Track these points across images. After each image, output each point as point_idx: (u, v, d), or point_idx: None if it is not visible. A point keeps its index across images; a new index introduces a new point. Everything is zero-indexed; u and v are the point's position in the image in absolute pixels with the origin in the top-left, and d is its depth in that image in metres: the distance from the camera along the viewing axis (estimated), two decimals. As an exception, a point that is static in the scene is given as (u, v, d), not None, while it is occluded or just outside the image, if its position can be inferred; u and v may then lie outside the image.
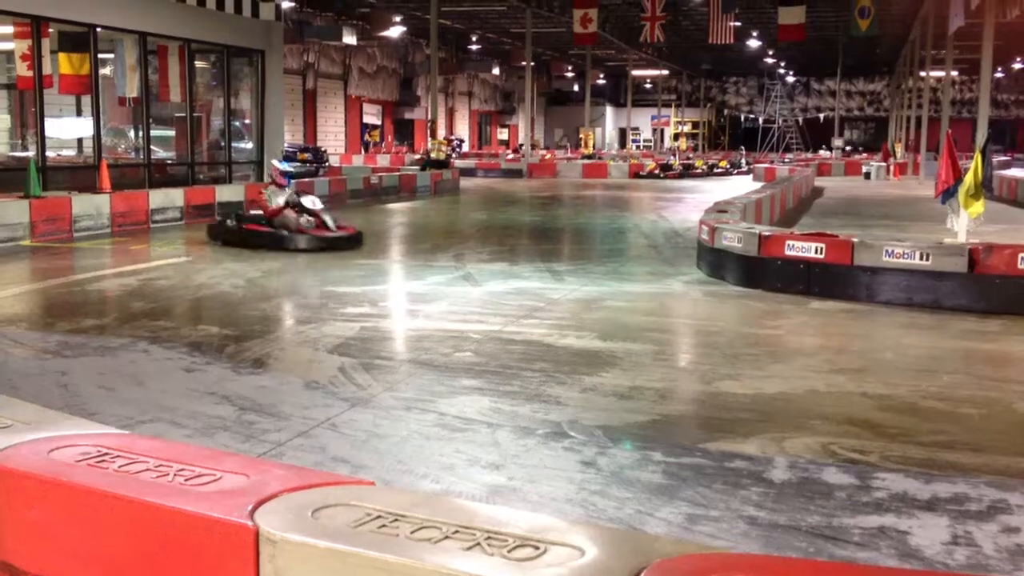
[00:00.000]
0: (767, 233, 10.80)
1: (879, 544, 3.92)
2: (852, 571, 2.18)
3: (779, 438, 5.32)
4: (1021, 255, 9.32)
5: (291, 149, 29.38)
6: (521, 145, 45.60)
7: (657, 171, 38.40)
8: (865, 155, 49.31)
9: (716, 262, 11.32)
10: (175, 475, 2.19)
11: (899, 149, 43.35)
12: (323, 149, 34.21)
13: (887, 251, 9.81)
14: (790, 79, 70.97)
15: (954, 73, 43.06)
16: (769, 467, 4.82)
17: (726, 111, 76.03)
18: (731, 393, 6.36)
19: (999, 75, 57.05)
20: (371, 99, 48.52)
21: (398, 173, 27.49)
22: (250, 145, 22.56)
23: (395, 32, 42.37)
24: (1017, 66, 56.72)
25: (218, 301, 9.81)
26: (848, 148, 59.45)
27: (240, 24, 21.28)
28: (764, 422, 5.69)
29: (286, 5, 29.39)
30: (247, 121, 22.69)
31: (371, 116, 49.21)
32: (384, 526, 1.94)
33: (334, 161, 35.89)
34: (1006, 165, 39.47)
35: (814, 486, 4.56)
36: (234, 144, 22.06)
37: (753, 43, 46.45)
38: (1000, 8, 24.10)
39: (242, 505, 2.01)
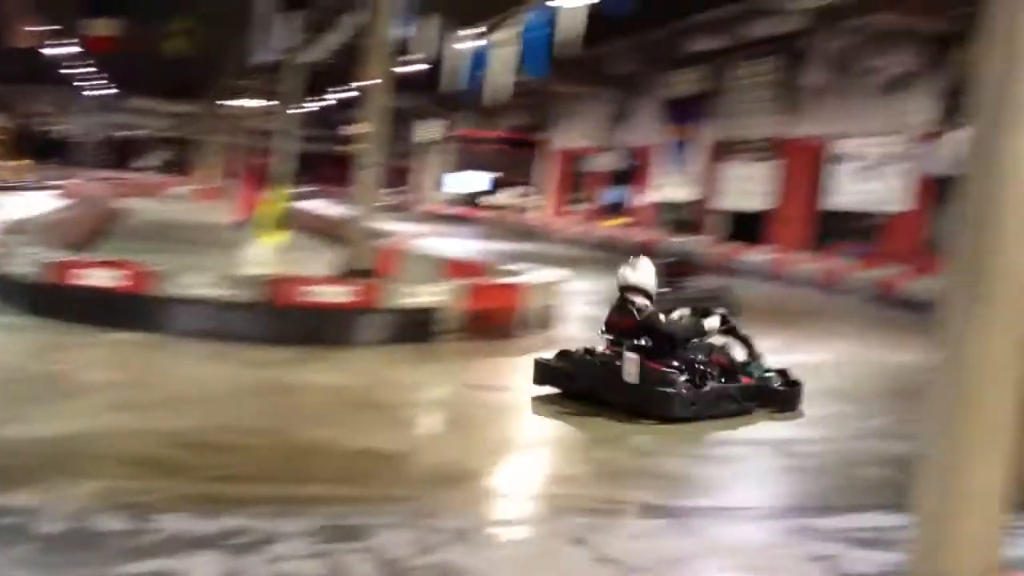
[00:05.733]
0: (60, 259, 10.28)
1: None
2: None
3: (59, 485, 5.06)
4: (307, 286, 10.05)
5: None
6: None
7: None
8: (176, 177, 49.45)
9: (2, 290, 10.42)
10: None
11: (206, 174, 44.20)
12: None
13: (187, 281, 9.89)
14: (103, 92, 68.58)
15: (262, 103, 45.11)
16: (40, 519, 4.51)
17: (29, 120, 70.95)
18: (11, 439, 5.90)
19: (306, 109, 60.87)
20: None
21: None
22: None
23: None
24: (324, 103, 61.02)
25: None
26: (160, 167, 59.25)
27: None
28: (46, 468, 5.38)
29: None
30: None
31: None
32: None
33: None
34: (310, 197, 42.13)
35: (90, 534, 4.40)
36: None
37: (62, 50, 43.96)
38: (305, 48, 25.85)
39: None
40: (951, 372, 2.99)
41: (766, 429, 7.67)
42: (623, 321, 8.07)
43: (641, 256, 8.66)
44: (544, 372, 8.31)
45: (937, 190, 19.69)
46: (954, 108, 18.12)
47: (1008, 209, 2.90)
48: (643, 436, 7.12)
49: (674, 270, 10.48)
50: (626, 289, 8.16)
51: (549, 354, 8.42)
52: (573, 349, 8.32)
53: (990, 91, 2.96)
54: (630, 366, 7.71)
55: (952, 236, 3.09)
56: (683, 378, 7.61)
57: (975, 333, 2.93)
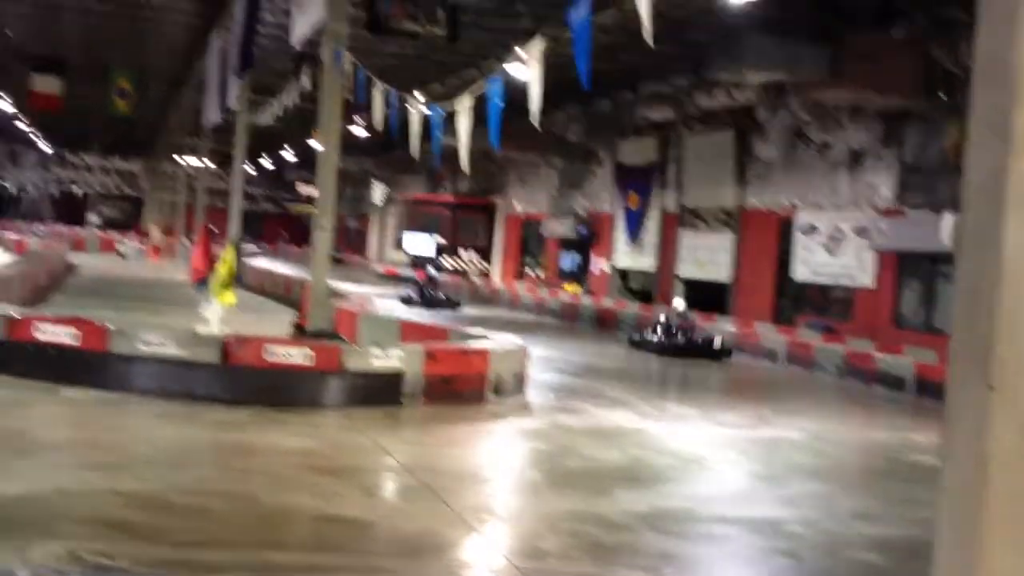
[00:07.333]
0: (16, 315, 10.00)
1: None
2: None
3: (21, 547, 4.85)
4: (266, 347, 9.85)
5: None
6: None
7: None
8: (125, 233, 48.75)
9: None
10: None
11: (156, 231, 43.77)
12: None
13: (142, 339, 9.67)
14: (45, 148, 67.60)
15: (209, 163, 44.89)
16: (12, 581, 4.34)
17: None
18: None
19: (254, 169, 60.62)
20: None
21: None
22: None
23: None
24: (265, 163, 60.76)
25: None
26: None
27: None
28: (4, 530, 5.16)
29: None
30: None
31: None
32: None
33: None
34: (255, 255, 41.97)
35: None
36: None
37: (5, 106, 43.23)
38: (253, 110, 25.89)
39: None
40: (967, 461, 2.93)
41: (749, 507, 7.54)
42: (689, 324, 18.43)
43: (677, 297, 21.22)
44: (642, 344, 18.36)
45: (901, 266, 19.86)
46: (913, 184, 18.39)
47: (1011, 295, 2.87)
48: (620, 509, 6.97)
49: (427, 284, 25.87)
50: (683, 312, 18.57)
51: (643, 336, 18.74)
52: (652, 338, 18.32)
53: (983, 175, 2.95)
54: (718, 341, 17.95)
55: (952, 321, 3.05)
56: None
57: (991, 422, 2.88)
